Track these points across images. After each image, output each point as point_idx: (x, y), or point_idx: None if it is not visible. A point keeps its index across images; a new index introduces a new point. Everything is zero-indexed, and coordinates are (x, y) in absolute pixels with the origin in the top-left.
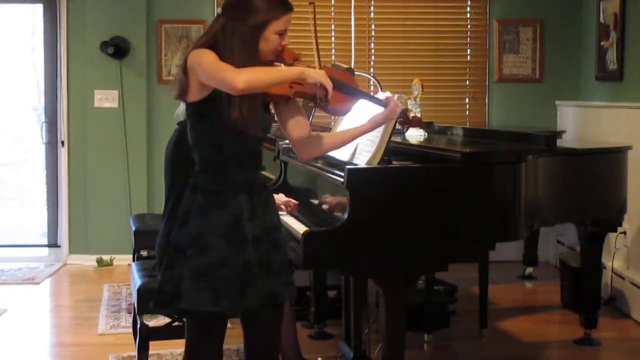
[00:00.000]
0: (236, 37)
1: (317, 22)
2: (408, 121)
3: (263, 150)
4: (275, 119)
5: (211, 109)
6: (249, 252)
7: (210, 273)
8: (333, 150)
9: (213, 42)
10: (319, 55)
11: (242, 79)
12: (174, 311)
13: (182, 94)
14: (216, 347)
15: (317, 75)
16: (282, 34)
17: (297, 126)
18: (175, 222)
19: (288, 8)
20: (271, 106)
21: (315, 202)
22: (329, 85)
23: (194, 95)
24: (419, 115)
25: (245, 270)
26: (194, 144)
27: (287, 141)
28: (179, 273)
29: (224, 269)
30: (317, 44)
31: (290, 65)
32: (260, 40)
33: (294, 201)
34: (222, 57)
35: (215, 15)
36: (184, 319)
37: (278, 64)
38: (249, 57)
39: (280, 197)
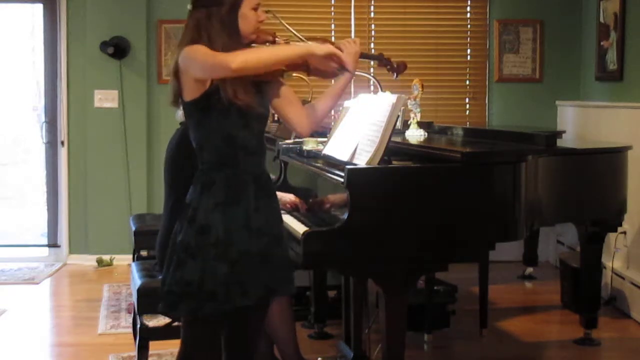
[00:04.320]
0: (214, 24)
1: (316, 22)
2: (394, 68)
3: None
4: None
5: (215, 100)
6: (253, 244)
7: (237, 267)
8: (328, 112)
9: (196, 38)
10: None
11: (236, 59)
12: (183, 312)
13: (175, 99)
14: (218, 349)
15: (326, 48)
16: (256, 8)
17: (290, 103)
18: (181, 220)
19: None
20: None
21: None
22: (339, 52)
23: (192, 93)
24: (419, 115)
25: (249, 260)
26: (201, 143)
27: (287, 141)
28: (189, 272)
29: (247, 261)
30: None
31: (272, 42)
32: (239, 19)
33: (299, 202)
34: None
35: (188, 12)
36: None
37: (257, 45)
38: (232, 39)
39: (289, 196)
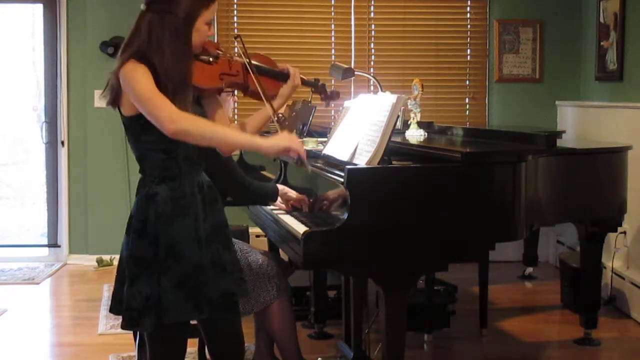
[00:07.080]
0: (167, 31)
1: (316, 22)
2: (328, 96)
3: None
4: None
5: None
6: (204, 254)
7: (190, 281)
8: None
9: (144, 44)
10: (262, 89)
11: (178, 125)
12: (147, 327)
13: (114, 102)
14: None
15: (275, 146)
16: (209, 23)
17: (221, 120)
18: (127, 233)
19: None
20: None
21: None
22: (287, 146)
23: (130, 109)
24: (419, 115)
25: (202, 272)
26: (143, 156)
27: None
28: (147, 286)
29: (200, 274)
30: (259, 81)
31: (215, 55)
32: (193, 31)
33: (306, 199)
34: (153, 57)
35: (140, 11)
36: (145, 335)
37: (205, 57)
38: (182, 51)
39: (294, 193)
